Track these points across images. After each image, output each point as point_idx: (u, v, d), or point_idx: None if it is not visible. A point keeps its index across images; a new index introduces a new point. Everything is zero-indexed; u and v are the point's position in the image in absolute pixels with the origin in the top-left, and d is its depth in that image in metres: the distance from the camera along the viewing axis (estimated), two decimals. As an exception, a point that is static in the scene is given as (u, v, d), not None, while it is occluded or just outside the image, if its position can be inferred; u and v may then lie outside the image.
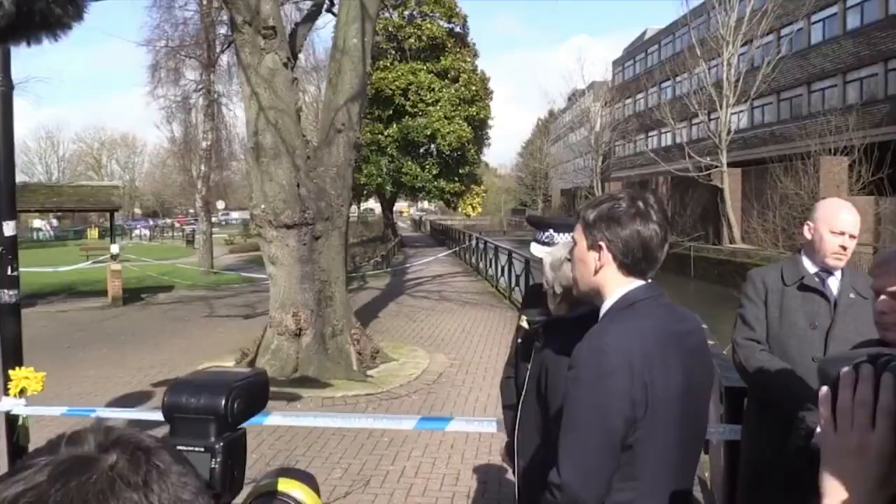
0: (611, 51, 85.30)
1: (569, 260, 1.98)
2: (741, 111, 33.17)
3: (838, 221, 2.77)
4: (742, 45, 30.21)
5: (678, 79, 39.28)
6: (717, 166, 29.86)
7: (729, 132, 30.24)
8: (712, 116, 31.68)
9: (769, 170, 24.26)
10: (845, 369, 0.84)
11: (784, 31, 32.17)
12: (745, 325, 2.91)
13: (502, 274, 17.52)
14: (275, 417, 3.97)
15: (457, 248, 29.84)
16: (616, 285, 1.77)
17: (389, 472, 5.52)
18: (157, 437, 0.73)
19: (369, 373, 8.54)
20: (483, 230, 51.10)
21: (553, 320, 2.31)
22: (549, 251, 2.42)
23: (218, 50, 22.51)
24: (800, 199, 21.28)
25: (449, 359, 9.54)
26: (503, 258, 17.48)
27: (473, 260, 24.32)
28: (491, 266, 19.69)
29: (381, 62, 30.23)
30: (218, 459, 1.16)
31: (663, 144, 44.17)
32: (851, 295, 2.79)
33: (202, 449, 1.16)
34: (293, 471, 1.21)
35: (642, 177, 44.56)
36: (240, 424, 1.25)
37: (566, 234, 2.78)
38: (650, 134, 47.19)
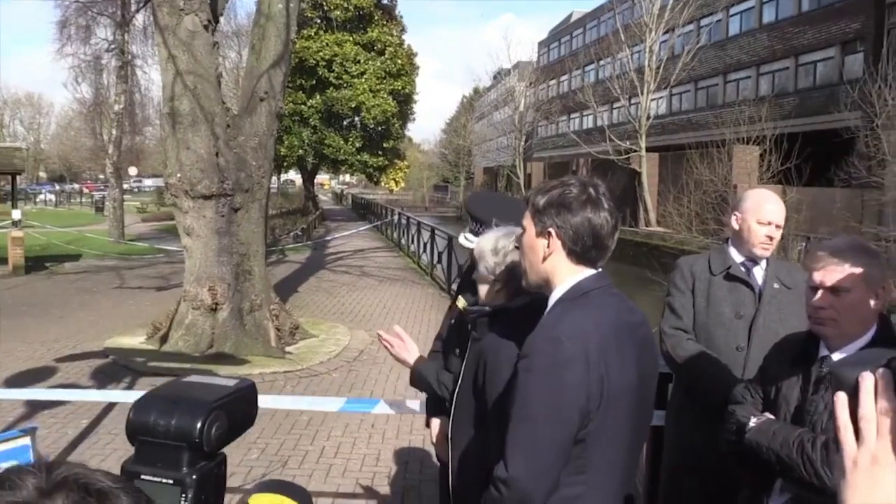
0: (537, 31, 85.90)
1: (517, 247, 1.91)
2: (660, 97, 34.01)
3: (765, 212, 2.80)
4: (664, 34, 30.90)
5: (601, 62, 39.93)
6: (636, 150, 30.58)
7: (648, 117, 30.99)
8: (633, 101, 32.38)
9: (685, 156, 25.00)
10: (866, 375, 0.78)
11: (704, 22, 33.04)
12: (673, 313, 2.92)
13: (424, 250, 17.48)
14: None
15: (378, 223, 29.63)
16: (566, 274, 1.71)
17: (308, 452, 5.40)
18: (111, 475, 0.61)
19: (288, 349, 8.35)
20: (405, 205, 50.95)
21: (493, 311, 2.24)
22: (491, 237, 2.33)
23: (133, 8, 21.41)
24: (713, 186, 22.02)
25: (370, 335, 9.41)
26: (426, 234, 17.42)
27: (395, 235, 24.19)
28: (413, 242, 19.61)
29: (306, 31, 29.45)
30: (189, 495, 1.00)
31: (585, 127, 44.88)
32: (776, 285, 2.83)
33: (171, 482, 1.00)
34: (284, 484, 1.04)
35: (564, 157, 45.24)
36: (218, 451, 1.07)
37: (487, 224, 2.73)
38: (572, 116, 47.85)
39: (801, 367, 2.06)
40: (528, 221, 1.76)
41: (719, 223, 21.48)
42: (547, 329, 1.62)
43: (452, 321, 2.87)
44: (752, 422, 2.07)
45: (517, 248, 1.88)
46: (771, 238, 2.80)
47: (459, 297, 2.86)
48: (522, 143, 50.60)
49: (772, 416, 2.08)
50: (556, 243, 1.69)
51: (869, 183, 18.31)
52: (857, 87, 19.66)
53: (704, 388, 2.76)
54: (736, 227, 2.88)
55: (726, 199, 21.89)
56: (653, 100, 31.60)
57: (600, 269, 1.75)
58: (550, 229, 1.69)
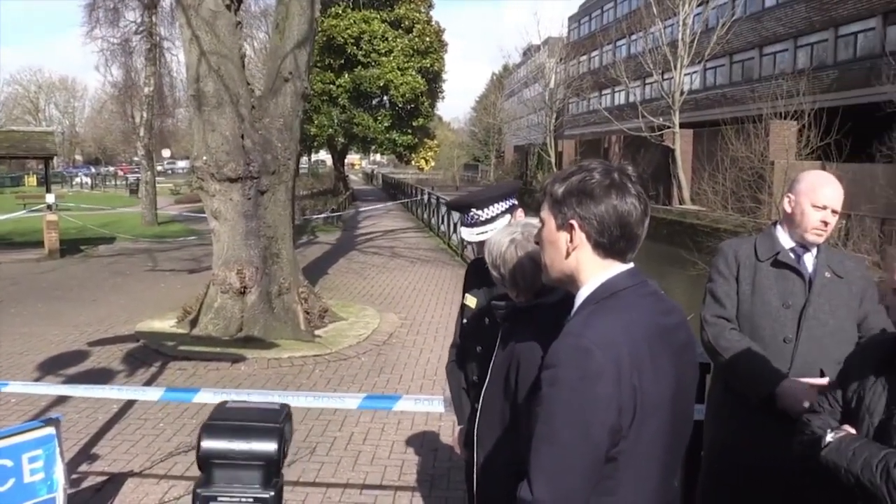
0: (567, 7, 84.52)
1: (536, 243, 1.76)
2: (694, 72, 33.28)
3: (821, 195, 2.61)
4: (697, 6, 30.14)
5: (633, 37, 39.13)
6: (669, 127, 29.99)
7: (682, 93, 30.34)
8: (666, 76, 31.71)
9: (720, 132, 24.43)
10: None
11: (739, -7, 32.21)
12: (715, 301, 2.74)
13: (454, 231, 17.34)
14: (204, 395, 3.69)
15: (408, 203, 29.49)
16: (593, 270, 1.54)
17: (336, 438, 5.33)
18: None
19: (317, 332, 8.29)
20: (436, 185, 50.79)
21: (526, 308, 2.10)
22: (489, 252, 2.19)
23: (160, -11, 21.41)
24: (749, 162, 21.50)
25: (399, 318, 9.35)
26: (456, 215, 17.26)
27: (425, 215, 24.07)
28: (443, 222, 19.47)
29: (333, 9, 29.24)
30: None
31: (617, 103, 44.22)
32: (827, 274, 2.65)
33: (251, 500, 1.13)
34: None
35: (595, 135, 44.62)
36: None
37: (490, 208, 2.58)
38: (604, 92, 47.14)
39: (889, 374, 1.87)
40: (546, 214, 1.59)
41: (756, 201, 21.02)
42: (573, 336, 1.44)
43: (465, 321, 2.74)
44: (829, 436, 1.88)
45: (536, 243, 1.71)
46: (826, 224, 2.61)
47: (467, 295, 2.73)
48: (553, 120, 49.97)
49: (852, 431, 1.90)
50: (580, 236, 1.53)
51: (913, 158, 17.71)
52: (900, 58, 18.97)
53: (747, 383, 2.59)
54: (788, 209, 2.69)
55: (763, 175, 21.39)
56: (686, 74, 30.91)
57: (631, 265, 1.57)
58: (572, 221, 1.53)
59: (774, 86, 24.08)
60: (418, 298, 10.80)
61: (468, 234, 2.62)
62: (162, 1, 21.73)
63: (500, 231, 2.23)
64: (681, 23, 29.78)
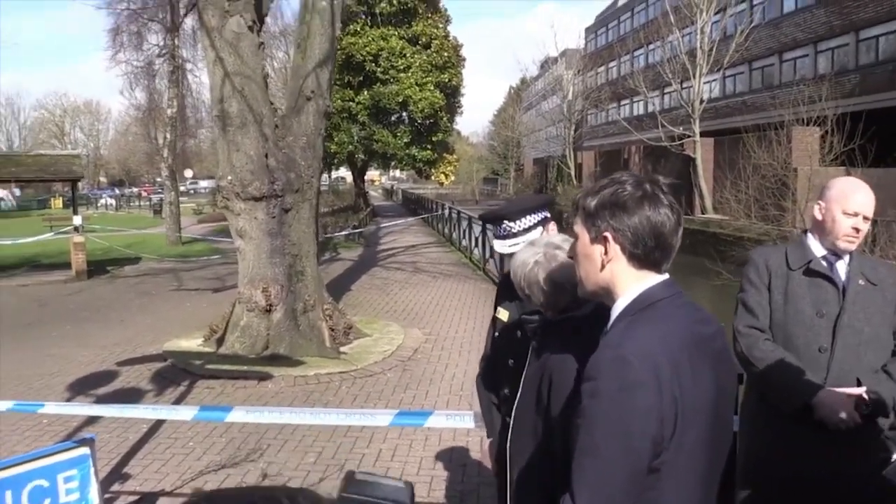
0: (583, 18, 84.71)
1: (571, 258, 1.76)
2: (713, 80, 33.11)
3: (852, 202, 2.58)
4: (715, 14, 30.03)
5: (651, 47, 39.09)
6: (689, 136, 29.82)
7: (702, 101, 30.18)
8: (685, 85, 31.58)
9: (742, 139, 24.25)
10: None
11: (756, 0, 32.05)
12: (748, 311, 2.71)
13: (476, 245, 17.34)
14: (237, 414, 3.70)
15: (429, 218, 29.54)
16: (629, 281, 1.54)
17: (365, 455, 5.33)
18: None
19: (342, 349, 8.32)
20: (455, 199, 50.88)
21: (557, 321, 2.09)
22: (514, 270, 2.19)
23: (182, 13, 21.73)
24: (772, 169, 21.27)
25: (424, 333, 9.34)
26: (476, 229, 17.28)
27: (446, 230, 24.10)
28: (465, 237, 19.48)
29: (352, 27, 29.51)
30: None
31: (635, 113, 44.09)
32: (861, 281, 2.62)
33: None
34: None
35: (615, 146, 44.50)
36: None
37: (522, 220, 2.58)
38: (622, 103, 47.04)
39: None
40: (579, 227, 1.60)
41: (779, 208, 20.79)
42: (612, 348, 1.45)
43: (496, 334, 2.74)
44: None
45: (570, 257, 1.72)
46: (857, 230, 2.58)
47: (499, 308, 2.73)
48: (572, 132, 49.93)
49: None
50: (615, 248, 1.53)
51: (939, 161, 17.45)
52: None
53: (782, 394, 2.56)
54: (819, 217, 2.67)
55: (786, 183, 21.17)
56: (705, 83, 30.77)
57: (667, 276, 1.58)
58: (606, 233, 1.53)
59: (796, 92, 23.88)
60: (442, 313, 10.79)
61: (500, 246, 2.62)
62: (184, 24, 22.08)
63: (524, 250, 2.22)
64: (699, 31, 29.67)
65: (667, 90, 36.57)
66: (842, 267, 2.66)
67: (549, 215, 2.63)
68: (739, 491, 2.83)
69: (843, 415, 2.48)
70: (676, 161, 30.85)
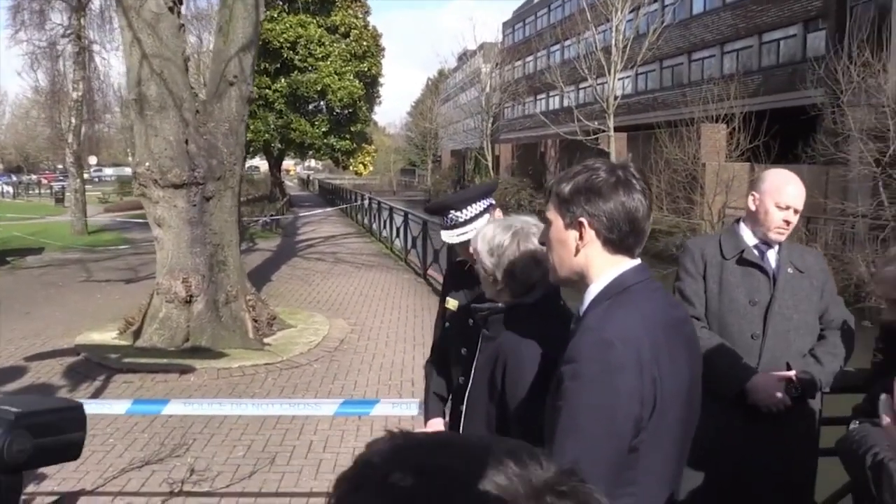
0: (501, 12, 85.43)
1: (542, 244, 1.75)
2: (627, 77, 34.03)
3: (784, 195, 2.68)
4: (629, 13, 30.86)
5: (567, 42, 39.80)
6: (604, 130, 30.58)
7: (616, 97, 30.99)
8: (599, 81, 32.34)
9: (654, 135, 25.07)
10: None
11: (668, 0, 33.11)
12: (685, 300, 2.78)
13: (397, 235, 17.29)
14: (174, 406, 3.57)
15: (347, 208, 29.26)
16: (604, 266, 1.56)
17: (296, 447, 5.24)
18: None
19: (266, 340, 8.14)
20: (373, 190, 50.52)
21: (508, 308, 2.09)
22: (485, 237, 2.15)
23: (89, -9, 20.70)
24: (683, 164, 22.11)
25: (349, 324, 9.26)
26: (398, 219, 17.23)
27: (366, 221, 23.94)
28: (385, 227, 19.39)
29: (269, 13, 28.81)
30: None
31: (552, 107, 44.86)
32: (790, 269, 2.73)
33: None
34: None
35: (532, 139, 45.19)
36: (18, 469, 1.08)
37: (468, 209, 2.58)
38: (539, 97, 47.78)
39: None
40: (552, 214, 1.61)
41: (689, 201, 21.64)
42: (594, 330, 1.46)
43: (447, 324, 2.74)
44: (853, 425, 1.97)
45: (542, 243, 1.72)
46: (788, 223, 2.69)
47: (448, 298, 2.74)
48: (490, 124, 50.39)
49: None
50: (590, 233, 1.54)
51: (835, 159, 18.51)
52: (821, 64, 19.82)
53: (719, 380, 2.62)
54: (752, 207, 2.76)
55: (696, 177, 22.03)
56: (619, 79, 31.59)
57: (639, 261, 1.61)
58: (581, 219, 1.54)
59: (704, 90, 24.86)
60: (366, 304, 10.72)
61: (448, 236, 2.60)
62: (91, 3, 21.03)
63: (494, 225, 2.17)
64: (614, 28, 30.43)
65: (582, 85, 37.38)
66: (772, 256, 2.76)
67: (493, 202, 2.62)
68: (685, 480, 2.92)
69: (778, 395, 2.60)
70: (591, 155, 31.50)
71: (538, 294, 2.10)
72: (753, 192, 2.78)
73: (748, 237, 2.78)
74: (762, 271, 2.72)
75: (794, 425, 2.69)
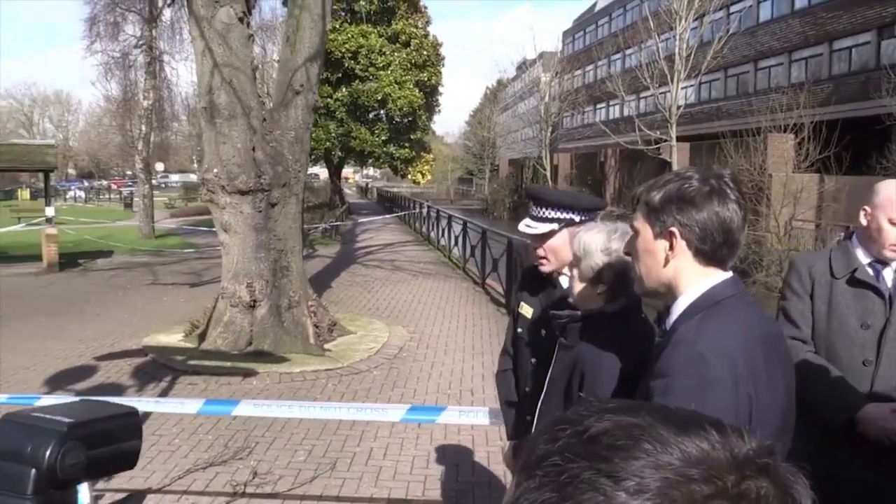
0: (560, 21, 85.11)
1: (627, 253, 1.69)
2: (689, 86, 33.43)
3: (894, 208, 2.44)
4: (694, 21, 30.33)
5: (628, 51, 39.33)
6: (666, 140, 30.07)
7: (678, 107, 30.46)
8: (661, 90, 31.85)
9: (718, 145, 24.51)
10: None
11: (734, 8, 32.42)
12: (789, 321, 2.60)
13: (455, 244, 17.29)
14: (244, 407, 3.62)
15: (405, 216, 29.45)
16: (694, 278, 1.50)
17: (356, 453, 5.25)
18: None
19: (327, 346, 8.22)
20: (430, 198, 50.74)
21: (588, 316, 2.04)
22: (600, 235, 2.05)
23: (160, 4, 21.39)
24: (748, 175, 21.53)
25: (408, 331, 9.28)
26: (457, 227, 17.23)
27: (424, 229, 24.03)
28: (443, 235, 19.42)
29: (332, 23, 29.33)
30: None
31: (612, 117, 44.36)
32: None
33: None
34: None
35: (591, 148, 44.75)
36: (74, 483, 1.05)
37: (558, 212, 2.46)
38: (598, 106, 47.32)
39: None
40: (641, 223, 1.55)
41: (755, 213, 21.04)
42: (687, 344, 1.40)
43: (518, 330, 2.67)
44: None
45: (627, 254, 1.67)
46: None
47: (522, 304, 2.65)
48: (548, 133, 50.08)
49: None
50: (681, 244, 1.49)
51: (911, 170, 17.79)
52: (898, 71, 19.11)
53: (826, 409, 2.46)
54: (864, 223, 2.53)
55: (762, 188, 21.43)
56: (682, 88, 31.05)
57: (731, 273, 1.54)
58: (672, 228, 1.48)
59: (771, 99, 24.22)
60: (424, 312, 10.73)
61: (523, 225, 2.48)
62: (162, 15, 21.75)
63: (602, 226, 2.08)
64: (678, 37, 29.92)
65: (643, 95, 36.87)
66: (889, 275, 2.54)
67: (584, 219, 2.44)
68: None
69: (887, 430, 2.41)
70: (652, 165, 31.08)
71: (621, 304, 2.04)
72: (865, 207, 2.55)
73: (861, 255, 2.56)
74: (877, 292, 2.50)
75: None
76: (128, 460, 1.12)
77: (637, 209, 1.56)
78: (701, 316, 1.46)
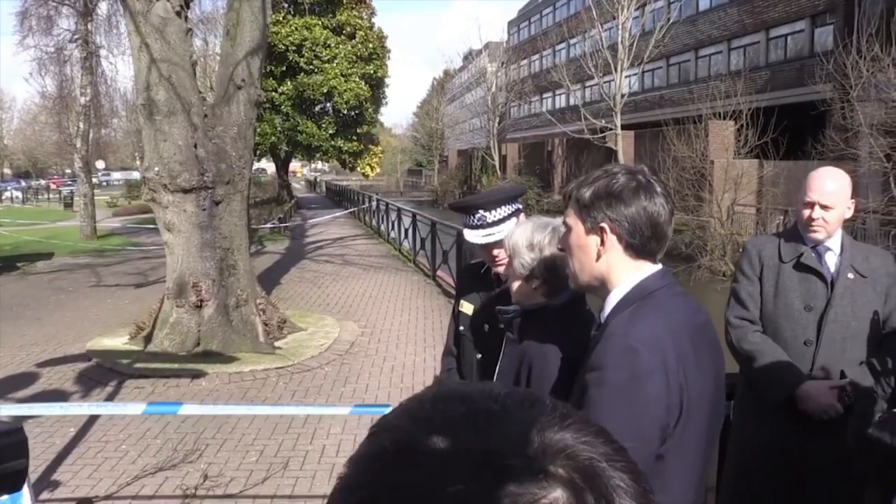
0: (506, 11, 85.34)
1: (560, 249, 1.71)
2: (633, 75, 33.94)
3: (808, 192, 2.63)
4: (635, 10, 30.77)
5: (573, 41, 39.72)
6: (611, 129, 30.50)
7: (622, 95, 30.90)
8: (606, 79, 32.27)
9: (661, 132, 24.97)
10: None
11: (674, -3, 33.03)
12: (739, 303, 2.75)
13: (405, 237, 17.27)
14: (189, 408, 3.57)
15: (355, 210, 29.32)
16: (626, 271, 1.54)
17: (309, 452, 5.22)
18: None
19: (277, 344, 8.14)
20: (379, 191, 50.57)
21: (533, 310, 2.06)
22: (524, 231, 2.11)
23: (95, -3, 20.76)
24: (691, 162, 22.01)
25: (359, 326, 9.24)
26: (406, 220, 17.21)
27: (374, 222, 23.93)
28: (393, 228, 19.38)
29: (275, 16, 28.88)
30: None
31: (558, 106, 44.76)
32: (850, 275, 2.64)
33: None
34: None
35: (538, 138, 45.11)
36: None
37: (497, 210, 2.52)
38: (545, 95, 47.67)
39: None
40: (572, 219, 1.59)
41: (698, 199, 21.52)
42: (619, 337, 1.44)
43: (460, 328, 2.69)
44: (878, 416, 1.95)
45: (561, 249, 1.70)
46: (814, 220, 2.62)
47: (463, 301, 2.69)
48: (496, 124, 50.32)
49: None
50: (611, 239, 1.53)
51: (845, 155, 18.38)
52: (830, 59, 19.70)
53: (768, 385, 2.60)
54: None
55: (704, 174, 21.92)
56: (626, 77, 31.50)
57: (661, 266, 1.59)
58: (603, 224, 1.53)
59: (711, 87, 24.75)
60: (375, 306, 10.70)
61: (473, 235, 2.52)
62: (98, 8, 21.10)
63: (531, 223, 2.11)
64: (620, 26, 30.33)
65: (588, 84, 37.26)
66: (832, 259, 2.68)
67: (520, 207, 2.59)
68: (731, 474, 2.86)
69: (824, 405, 2.54)
70: (599, 153, 31.52)
71: (565, 297, 2.07)
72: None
73: (805, 240, 2.72)
74: (820, 277, 2.65)
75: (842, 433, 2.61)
76: (11, 482, 1.04)
77: (569, 206, 1.60)
78: (632, 309, 1.50)
